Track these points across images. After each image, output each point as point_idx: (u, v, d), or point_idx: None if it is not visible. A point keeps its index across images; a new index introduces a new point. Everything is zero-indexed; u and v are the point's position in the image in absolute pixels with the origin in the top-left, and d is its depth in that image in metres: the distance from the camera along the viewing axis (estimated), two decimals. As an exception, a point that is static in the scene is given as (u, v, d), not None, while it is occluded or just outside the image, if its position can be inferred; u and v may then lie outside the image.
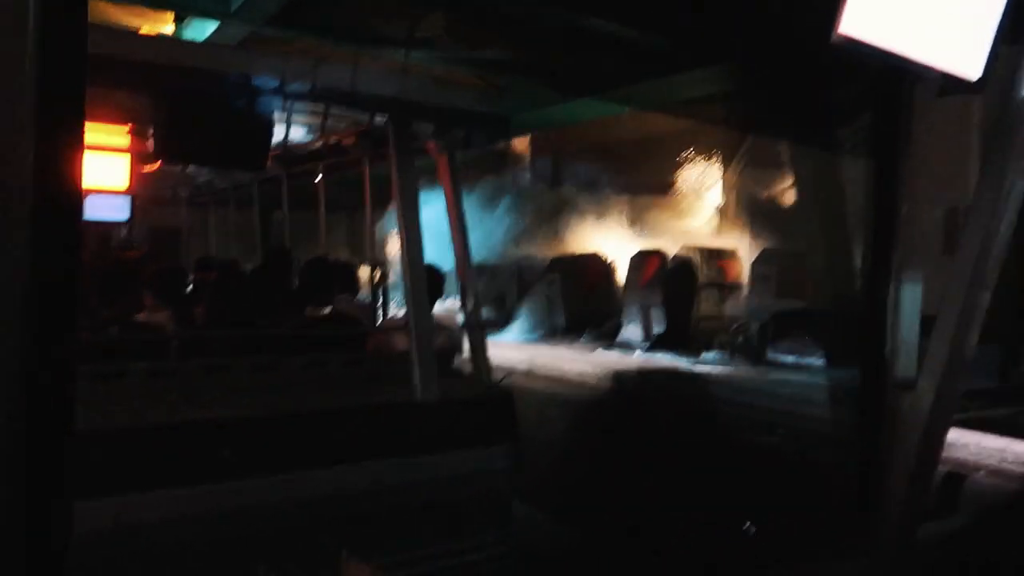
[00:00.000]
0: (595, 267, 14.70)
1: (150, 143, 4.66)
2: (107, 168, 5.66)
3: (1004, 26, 1.91)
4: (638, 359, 11.10)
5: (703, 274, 13.60)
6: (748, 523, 4.31)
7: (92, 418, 2.96)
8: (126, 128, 5.27)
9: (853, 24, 1.77)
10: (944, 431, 2.23)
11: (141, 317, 3.92)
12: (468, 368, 4.39)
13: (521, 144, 20.76)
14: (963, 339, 2.06)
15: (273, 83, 3.64)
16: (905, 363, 2.37)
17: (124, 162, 5.66)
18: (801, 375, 9.37)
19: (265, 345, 3.82)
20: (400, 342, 4.21)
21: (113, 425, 2.98)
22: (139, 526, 2.87)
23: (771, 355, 10.95)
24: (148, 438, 2.99)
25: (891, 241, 2.36)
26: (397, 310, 5.43)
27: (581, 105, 16.67)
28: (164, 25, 13.06)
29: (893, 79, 2.18)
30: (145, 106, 4.27)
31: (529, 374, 6.98)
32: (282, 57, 3.63)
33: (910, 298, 2.37)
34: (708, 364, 10.89)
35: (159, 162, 5.72)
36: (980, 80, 1.88)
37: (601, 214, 17.95)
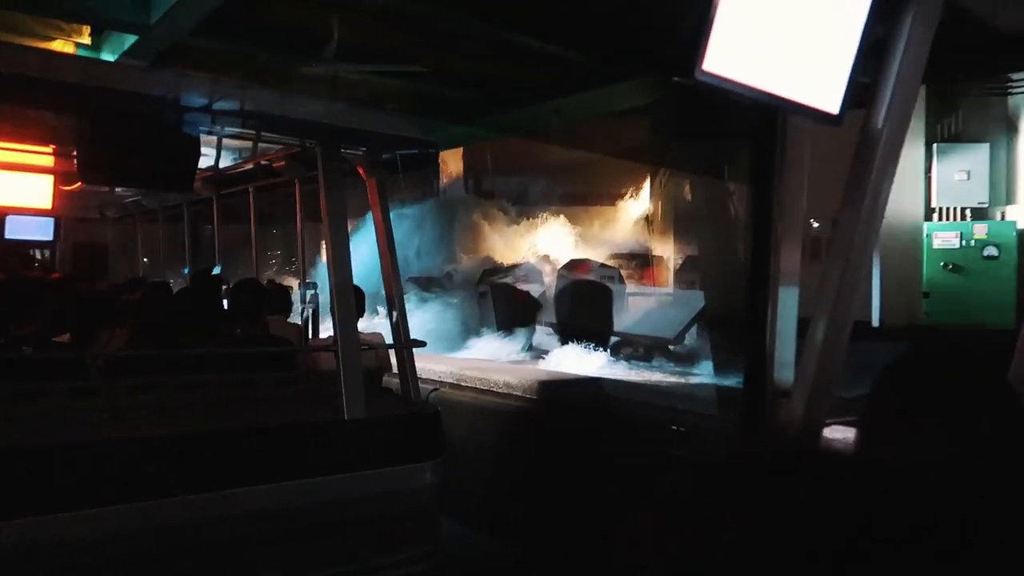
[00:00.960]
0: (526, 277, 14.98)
1: (74, 163, 4.64)
2: (30, 188, 5.58)
3: (859, 61, 2.04)
4: (550, 367, 11.40)
5: (627, 281, 14.07)
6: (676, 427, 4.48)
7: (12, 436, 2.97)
8: (50, 148, 5.21)
9: (716, 61, 1.83)
10: (818, 435, 2.40)
11: (62, 338, 3.89)
12: (396, 385, 4.48)
13: (454, 158, 20.92)
14: (833, 347, 2.23)
15: (200, 104, 3.69)
16: (782, 372, 2.56)
17: (47, 182, 5.59)
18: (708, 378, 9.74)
19: (193, 365, 3.84)
20: (330, 361, 4.27)
21: (31, 443, 2.99)
22: (63, 544, 2.89)
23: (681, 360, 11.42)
24: (71, 456, 3.00)
25: (766, 257, 2.55)
26: (325, 329, 5.49)
27: (510, 118, 16.87)
28: (81, 38, 12.77)
29: (768, 107, 2.35)
30: (69, 126, 4.26)
31: (455, 386, 7.19)
32: (211, 79, 3.66)
33: (787, 310, 2.56)
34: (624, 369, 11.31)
35: (79, 184, 5.65)
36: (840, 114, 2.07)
37: (535, 225, 18.24)
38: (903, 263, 11.51)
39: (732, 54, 1.81)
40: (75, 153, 4.12)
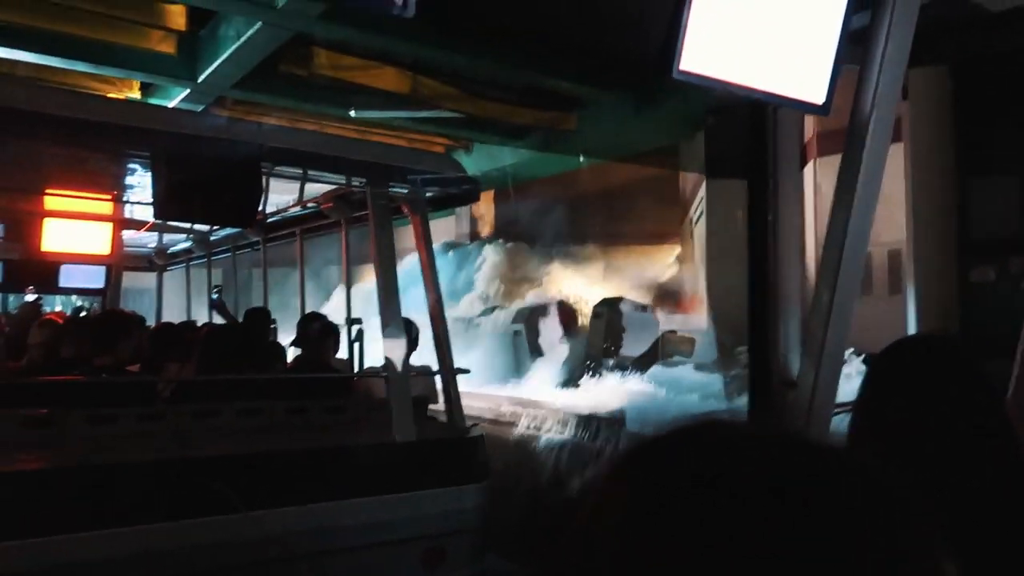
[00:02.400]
0: (561, 315, 15.13)
1: (130, 210, 4.92)
2: (90, 236, 5.89)
3: (842, 49, 2.08)
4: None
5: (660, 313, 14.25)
6: None
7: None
8: (109, 196, 5.51)
9: (693, 59, 1.83)
10: (826, 423, 2.44)
11: (133, 368, 4.13)
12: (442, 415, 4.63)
13: (485, 200, 21.26)
14: (834, 342, 2.30)
15: (256, 146, 3.94)
16: (788, 365, 2.64)
17: (107, 230, 5.88)
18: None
19: (253, 392, 4.03)
20: (381, 390, 4.43)
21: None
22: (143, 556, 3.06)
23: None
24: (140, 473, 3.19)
25: (765, 253, 2.65)
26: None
27: (542, 160, 17.14)
28: (131, 92, 13.39)
29: (758, 103, 2.45)
30: (133, 172, 4.55)
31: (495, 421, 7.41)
32: (260, 124, 3.93)
33: (789, 305, 2.65)
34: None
35: (146, 228, 5.94)
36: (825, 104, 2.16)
37: (566, 264, 18.41)
38: (939, 296, 11.47)
39: (709, 51, 1.84)
40: (132, 198, 4.38)
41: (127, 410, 3.50)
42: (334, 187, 4.87)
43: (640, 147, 15.66)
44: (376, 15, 10.14)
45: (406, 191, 4.51)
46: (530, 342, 14.14)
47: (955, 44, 2.81)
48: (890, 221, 12.37)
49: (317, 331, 4.77)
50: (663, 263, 17.87)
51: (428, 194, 4.54)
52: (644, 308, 14.15)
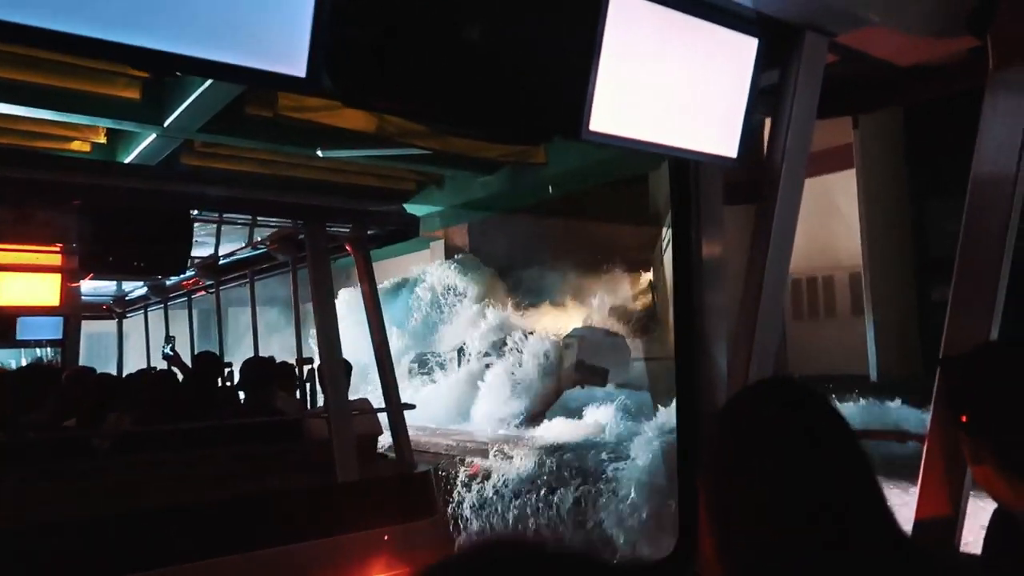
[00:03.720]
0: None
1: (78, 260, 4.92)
2: (39, 287, 5.87)
3: (752, 104, 2.16)
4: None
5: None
6: None
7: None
8: (57, 247, 5.51)
9: (602, 120, 1.80)
10: None
11: (69, 422, 4.10)
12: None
13: (460, 234, 21.38)
14: (758, 373, 2.35)
15: (194, 197, 3.99)
16: (714, 398, 2.69)
17: (55, 280, 5.87)
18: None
19: (199, 441, 4.02)
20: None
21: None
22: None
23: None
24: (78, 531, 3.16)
25: (691, 295, 2.72)
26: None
27: (509, 193, 17.23)
28: (97, 138, 13.44)
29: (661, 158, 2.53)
30: (73, 225, 4.57)
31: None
32: (199, 170, 3.97)
33: (715, 341, 2.71)
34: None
35: (88, 277, 5.93)
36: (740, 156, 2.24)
37: (537, 295, 18.52)
38: (898, 317, 11.63)
39: (619, 110, 1.84)
40: (77, 249, 4.39)
41: (57, 468, 3.47)
42: (279, 229, 4.91)
43: (609, 176, 15.84)
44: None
45: (348, 231, 4.56)
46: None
47: (863, 98, 2.91)
48: (851, 245, 12.63)
49: (257, 375, 4.78)
50: (635, 289, 18.00)
51: (369, 232, 4.59)
52: (615, 335, 14.25)
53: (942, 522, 2.45)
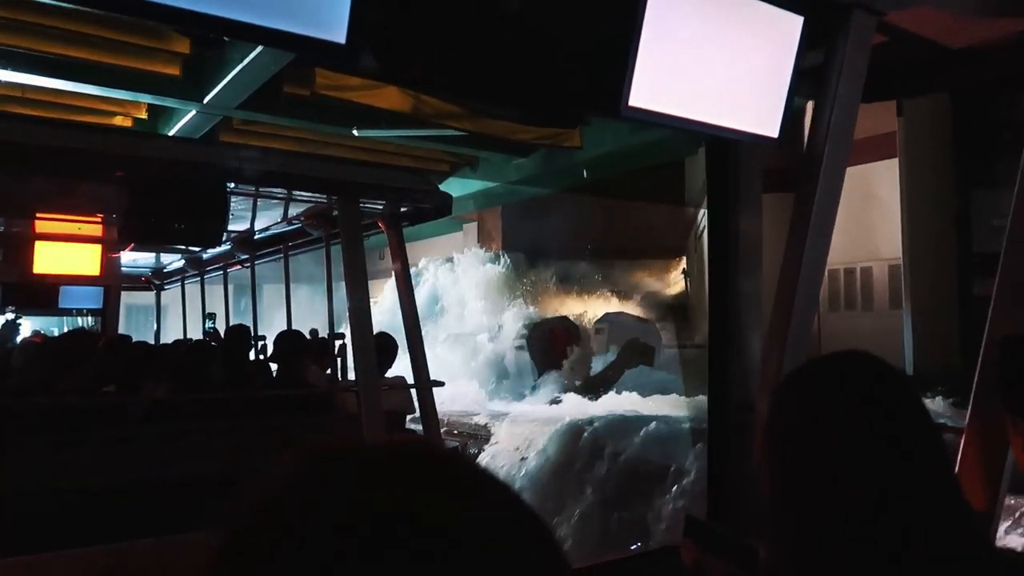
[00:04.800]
0: (562, 331, 15.19)
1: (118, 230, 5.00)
2: (80, 257, 5.99)
3: (794, 83, 2.10)
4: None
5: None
6: None
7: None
8: (98, 218, 5.62)
9: (642, 95, 1.76)
10: None
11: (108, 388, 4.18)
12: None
13: (492, 217, 21.39)
14: (790, 367, 2.30)
15: (231, 170, 4.03)
16: (746, 388, 2.65)
17: (96, 251, 5.99)
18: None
19: (230, 411, 4.08)
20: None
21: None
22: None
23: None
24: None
25: (726, 284, 2.68)
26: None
27: (549, 175, 17.17)
28: (139, 113, 13.67)
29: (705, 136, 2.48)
30: (115, 196, 4.64)
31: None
32: (236, 146, 4.00)
33: (749, 331, 2.67)
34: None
35: (128, 248, 6.04)
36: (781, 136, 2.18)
37: (571, 279, 18.46)
38: (937, 311, 11.38)
39: (659, 87, 1.79)
40: (119, 220, 4.46)
41: (91, 434, 3.55)
42: (313, 204, 4.95)
43: (644, 161, 15.70)
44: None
45: (381, 207, 4.57)
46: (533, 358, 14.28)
47: (910, 81, 2.82)
48: (891, 236, 12.37)
49: (289, 348, 4.83)
50: (668, 276, 17.87)
51: (403, 209, 4.60)
52: (646, 321, 14.19)
53: (978, 517, 2.41)
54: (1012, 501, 5.89)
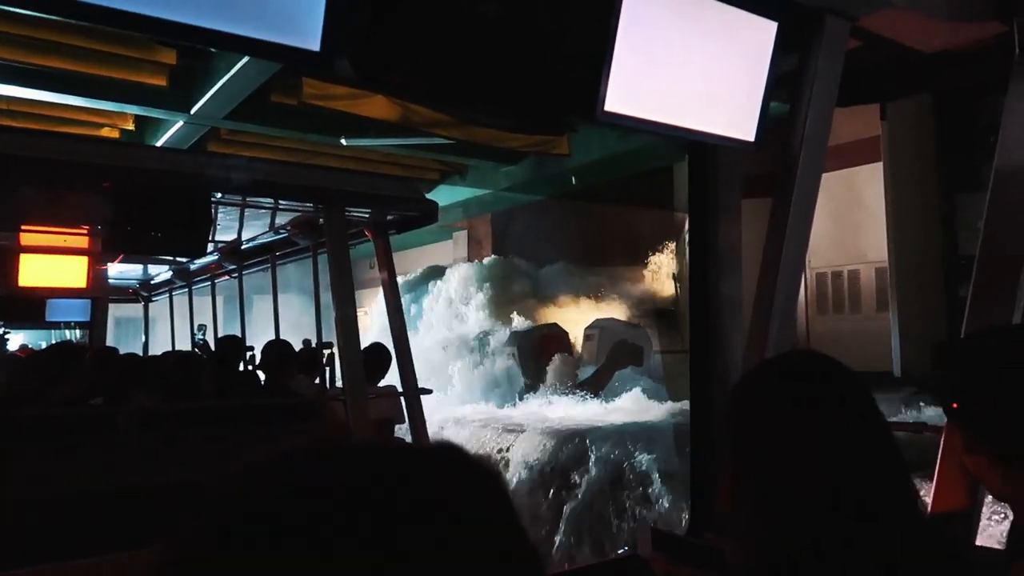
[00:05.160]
0: (551, 338, 15.24)
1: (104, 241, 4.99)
2: (67, 269, 5.97)
3: (770, 87, 2.12)
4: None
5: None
6: None
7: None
8: (84, 230, 5.60)
9: (618, 100, 1.77)
10: None
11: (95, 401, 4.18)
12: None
13: (483, 224, 21.43)
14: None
15: (215, 180, 4.03)
16: (727, 387, 2.67)
17: (83, 263, 5.97)
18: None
19: (216, 420, 4.07)
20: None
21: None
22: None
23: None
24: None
25: (707, 287, 2.70)
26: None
27: (530, 182, 17.20)
28: (126, 125, 13.66)
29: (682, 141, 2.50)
30: (99, 207, 4.64)
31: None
32: (221, 155, 4.00)
33: (730, 335, 2.69)
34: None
35: (116, 260, 6.02)
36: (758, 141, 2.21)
37: (559, 285, 18.49)
38: (924, 313, 11.45)
39: (635, 92, 1.81)
40: (103, 230, 4.45)
41: (78, 443, 3.54)
42: (301, 213, 4.95)
43: (633, 168, 15.78)
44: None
45: (367, 215, 4.59)
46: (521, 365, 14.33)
47: (886, 85, 2.86)
48: (878, 239, 12.46)
49: (276, 357, 4.84)
50: (657, 282, 17.93)
51: (389, 217, 4.61)
52: (637, 326, 14.23)
53: (958, 516, 2.43)
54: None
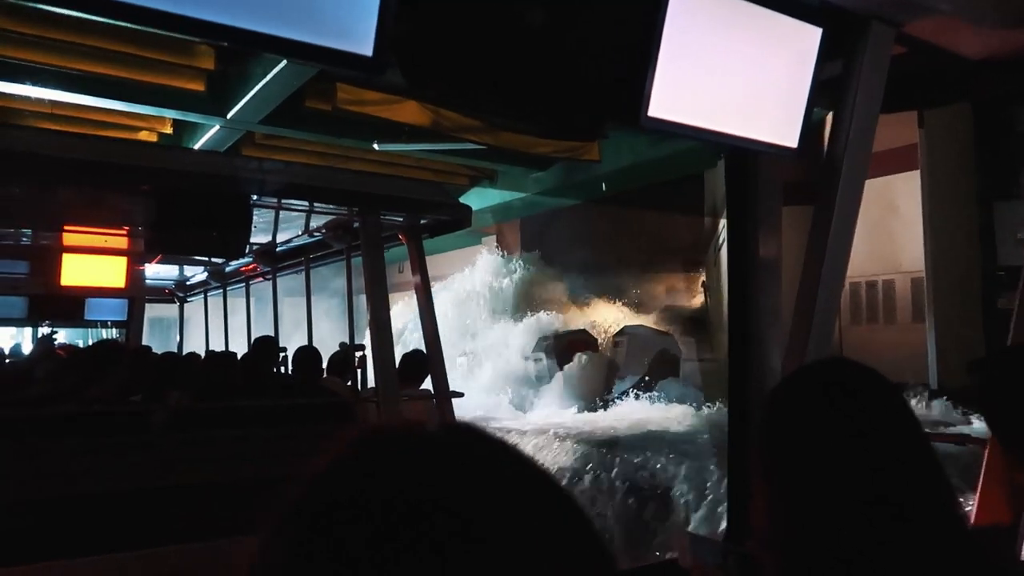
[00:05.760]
0: (580, 342, 15.23)
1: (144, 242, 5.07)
2: (106, 270, 6.08)
3: (813, 94, 2.10)
4: None
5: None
6: None
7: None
8: (124, 231, 5.70)
9: (662, 105, 1.77)
10: None
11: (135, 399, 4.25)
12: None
13: (512, 230, 21.46)
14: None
15: (252, 183, 4.09)
16: (764, 397, 2.64)
17: (122, 264, 6.08)
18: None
19: (250, 419, 4.11)
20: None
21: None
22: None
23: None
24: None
25: (746, 295, 2.68)
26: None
27: (562, 188, 17.23)
28: (164, 128, 13.89)
29: (725, 147, 2.48)
30: (139, 208, 4.72)
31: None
32: (260, 160, 4.05)
33: (769, 344, 2.66)
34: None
35: (154, 260, 6.12)
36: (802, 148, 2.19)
37: (592, 292, 18.46)
38: (961, 324, 11.27)
39: (679, 97, 1.81)
40: (144, 231, 4.53)
41: (114, 440, 3.60)
42: (335, 217, 4.99)
43: (663, 175, 15.72)
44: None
45: (401, 219, 4.61)
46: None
47: (930, 92, 2.82)
48: (914, 249, 12.29)
49: (308, 360, 4.88)
50: (688, 290, 17.85)
51: (423, 221, 4.64)
52: (666, 334, 14.18)
53: (1001, 531, 2.38)
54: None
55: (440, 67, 1.63)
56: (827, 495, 1.09)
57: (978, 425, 8.88)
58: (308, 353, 5.28)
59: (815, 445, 1.13)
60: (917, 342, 11.62)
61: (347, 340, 5.38)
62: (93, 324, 8.34)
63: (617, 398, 13.69)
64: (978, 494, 2.40)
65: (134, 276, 6.57)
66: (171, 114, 12.90)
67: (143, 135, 13.34)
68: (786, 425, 1.19)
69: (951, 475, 1.17)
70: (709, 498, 8.21)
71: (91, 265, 6.05)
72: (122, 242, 5.86)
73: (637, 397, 13.27)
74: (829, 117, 2.35)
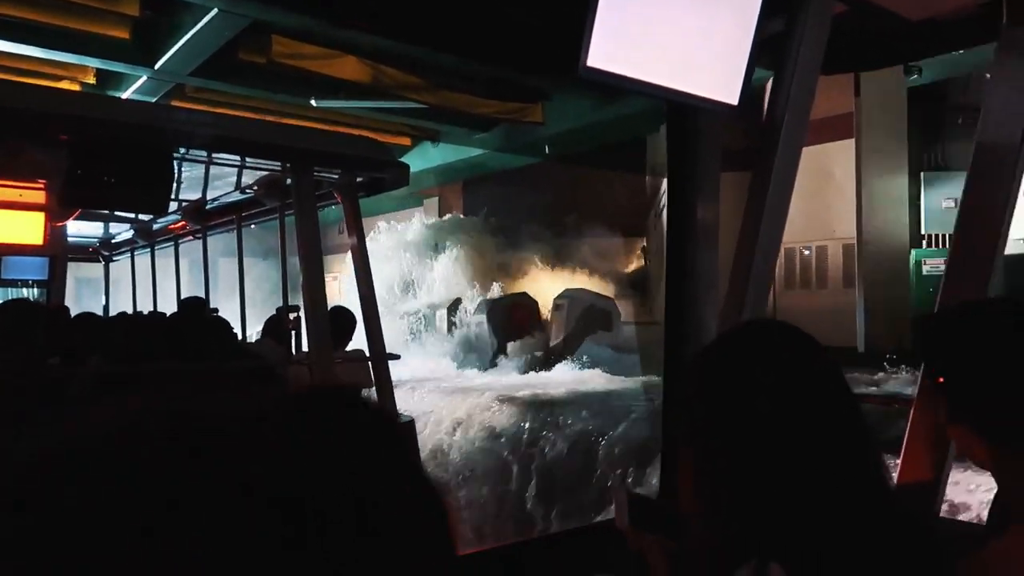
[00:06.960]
0: (520, 307, 15.29)
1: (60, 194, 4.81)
2: (22, 225, 5.76)
3: (755, 50, 2.07)
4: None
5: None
6: None
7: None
8: (41, 184, 5.40)
9: (600, 55, 1.75)
10: None
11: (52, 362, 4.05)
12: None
13: (454, 194, 21.26)
14: None
15: (178, 134, 3.89)
16: None
17: (39, 219, 5.77)
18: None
19: (169, 383, 3.97)
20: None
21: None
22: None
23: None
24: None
25: (685, 253, 2.66)
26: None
27: (505, 150, 17.11)
28: (86, 78, 13.21)
29: (680, 106, 2.44)
30: (57, 160, 4.46)
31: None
32: (186, 109, 3.85)
33: (705, 308, 2.66)
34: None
35: (73, 216, 5.83)
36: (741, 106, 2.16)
37: (531, 257, 18.48)
38: (889, 289, 11.66)
39: (618, 48, 1.78)
40: (61, 184, 4.28)
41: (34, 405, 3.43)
42: (269, 173, 4.81)
43: (606, 138, 15.72)
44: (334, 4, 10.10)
45: (336, 177, 4.47)
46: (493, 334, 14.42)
47: (870, 53, 2.82)
48: (846, 216, 12.61)
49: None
50: (627, 254, 18.01)
51: (359, 179, 4.50)
52: (606, 298, 14.31)
53: (923, 488, 2.44)
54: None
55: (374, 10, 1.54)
56: (752, 456, 1.08)
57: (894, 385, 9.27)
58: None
59: (742, 406, 1.12)
60: (848, 306, 11.98)
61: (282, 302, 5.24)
62: (13, 284, 7.93)
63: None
64: (902, 453, 2.45)
65: (54, 233, 6.25)
66: (94, 63, 12.29)
67: (64, 84, 12.69)
68: (714, 386, 1.18)
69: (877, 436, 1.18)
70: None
71: (6, 220, 5.72)
72: (39, 196, 5.56)
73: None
74: (769, 84, 2.33)
